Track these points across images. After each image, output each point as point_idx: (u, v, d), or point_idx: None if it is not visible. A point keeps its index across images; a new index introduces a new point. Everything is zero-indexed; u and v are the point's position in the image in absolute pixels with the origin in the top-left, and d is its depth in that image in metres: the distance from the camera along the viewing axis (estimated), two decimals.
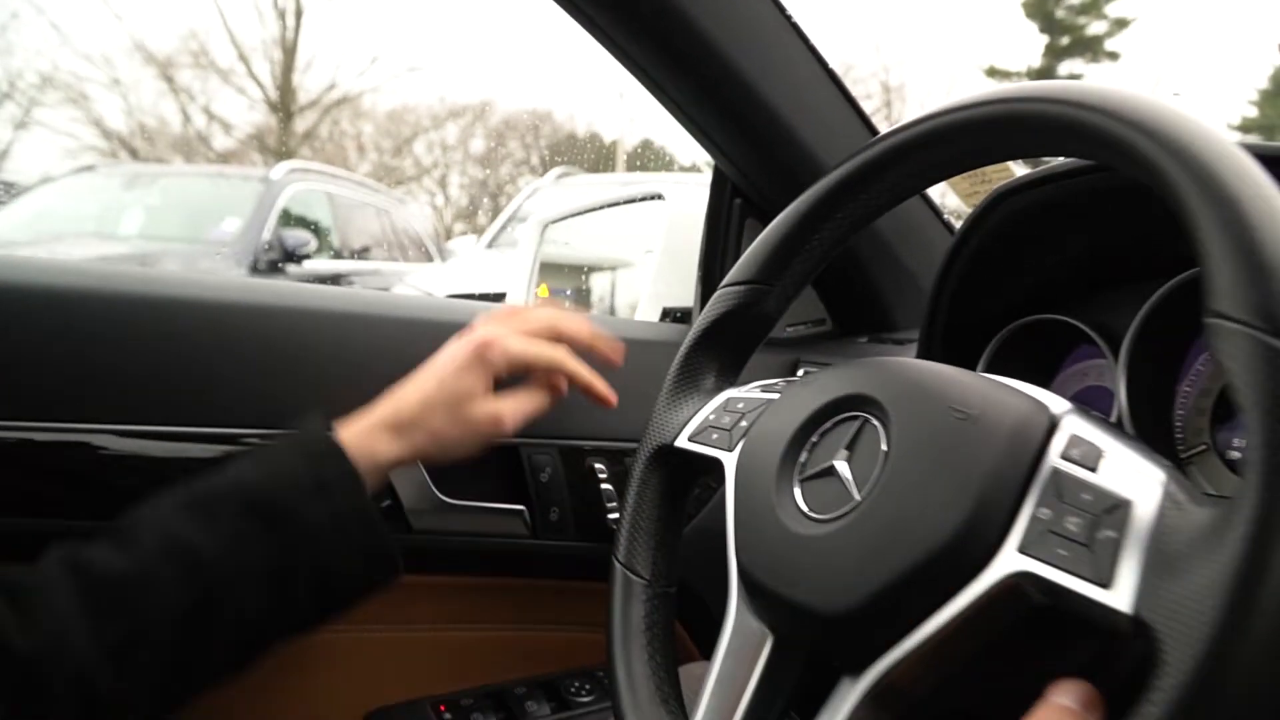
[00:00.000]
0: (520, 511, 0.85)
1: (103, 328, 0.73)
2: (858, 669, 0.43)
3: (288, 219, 5.84)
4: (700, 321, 0.66)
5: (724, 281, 0.65)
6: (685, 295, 1.09)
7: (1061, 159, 0.67)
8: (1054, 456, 0.41)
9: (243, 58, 16.52)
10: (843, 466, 0.48)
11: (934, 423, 0.45)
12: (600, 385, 0.77)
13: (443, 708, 0.84)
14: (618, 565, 0.63)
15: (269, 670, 0.81)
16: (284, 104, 16.64)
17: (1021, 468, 0.41)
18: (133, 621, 0.57)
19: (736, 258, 0.98)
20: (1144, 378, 0.67)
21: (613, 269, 2.06)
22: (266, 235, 5.58)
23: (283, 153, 15.02)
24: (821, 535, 0.46)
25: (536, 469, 0.84)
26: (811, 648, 0.48)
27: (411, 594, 0.85)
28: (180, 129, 17.00)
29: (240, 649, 0.62)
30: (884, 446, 0.46)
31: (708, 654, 0.93)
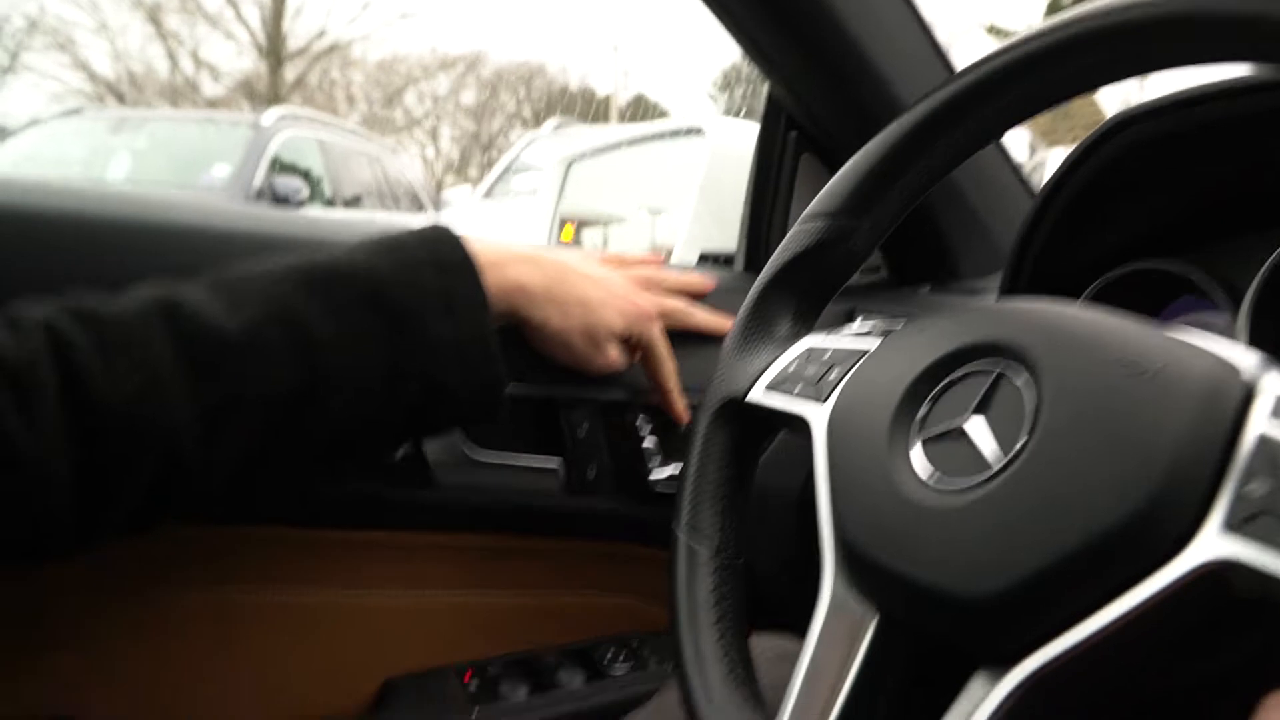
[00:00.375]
0: (554, 469, 0.78)
1: (109, 252, 0.65)
2: (1004, 662, 0.37)
3: (278, 166, 5.73)
4: (775, 259, 0.58)
5: (804, 214, 0.57)
6: (724, 239, 1.02)
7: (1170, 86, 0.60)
8: (1262, 421, 0.34)
9: (231, 2, 16.20)
10: (978, 425, 0.41)
11: (1099, 378, 0.38)
12: (681, 405, 0.77)
13: (468, 676, 0.78)
14: (679, 534, 0.56)
15: (285, 634, 0.75)
16: (273, 50, 16.33)
17: (1220, 434, 0.34)
18: (230, 388, 0.51)
19: (790, 195, 0.90)
20: (1265, 334, 0.60)
21: (605, 224, 1.97)
22: (258, 182, 5.47)
23: (272, 100, 14.75)
24: (956, 507, 0.39)
25: (574, 424, 0.77)
26: (935, 634, 0.41)
27: (437, 555, 0.78)
28: (168, 75, 16.73)
29: (329, 447, 0.57)
30: (1030, 404, 0.39)
31: (757, 624, 0.88)
